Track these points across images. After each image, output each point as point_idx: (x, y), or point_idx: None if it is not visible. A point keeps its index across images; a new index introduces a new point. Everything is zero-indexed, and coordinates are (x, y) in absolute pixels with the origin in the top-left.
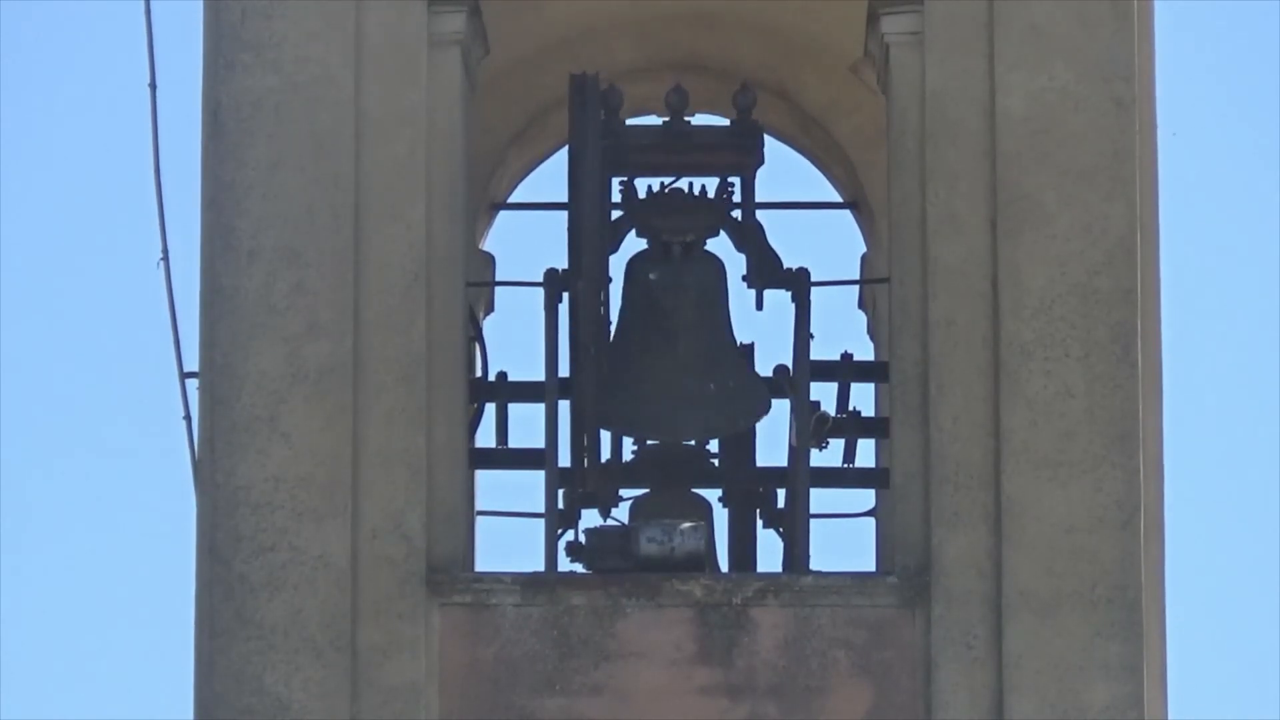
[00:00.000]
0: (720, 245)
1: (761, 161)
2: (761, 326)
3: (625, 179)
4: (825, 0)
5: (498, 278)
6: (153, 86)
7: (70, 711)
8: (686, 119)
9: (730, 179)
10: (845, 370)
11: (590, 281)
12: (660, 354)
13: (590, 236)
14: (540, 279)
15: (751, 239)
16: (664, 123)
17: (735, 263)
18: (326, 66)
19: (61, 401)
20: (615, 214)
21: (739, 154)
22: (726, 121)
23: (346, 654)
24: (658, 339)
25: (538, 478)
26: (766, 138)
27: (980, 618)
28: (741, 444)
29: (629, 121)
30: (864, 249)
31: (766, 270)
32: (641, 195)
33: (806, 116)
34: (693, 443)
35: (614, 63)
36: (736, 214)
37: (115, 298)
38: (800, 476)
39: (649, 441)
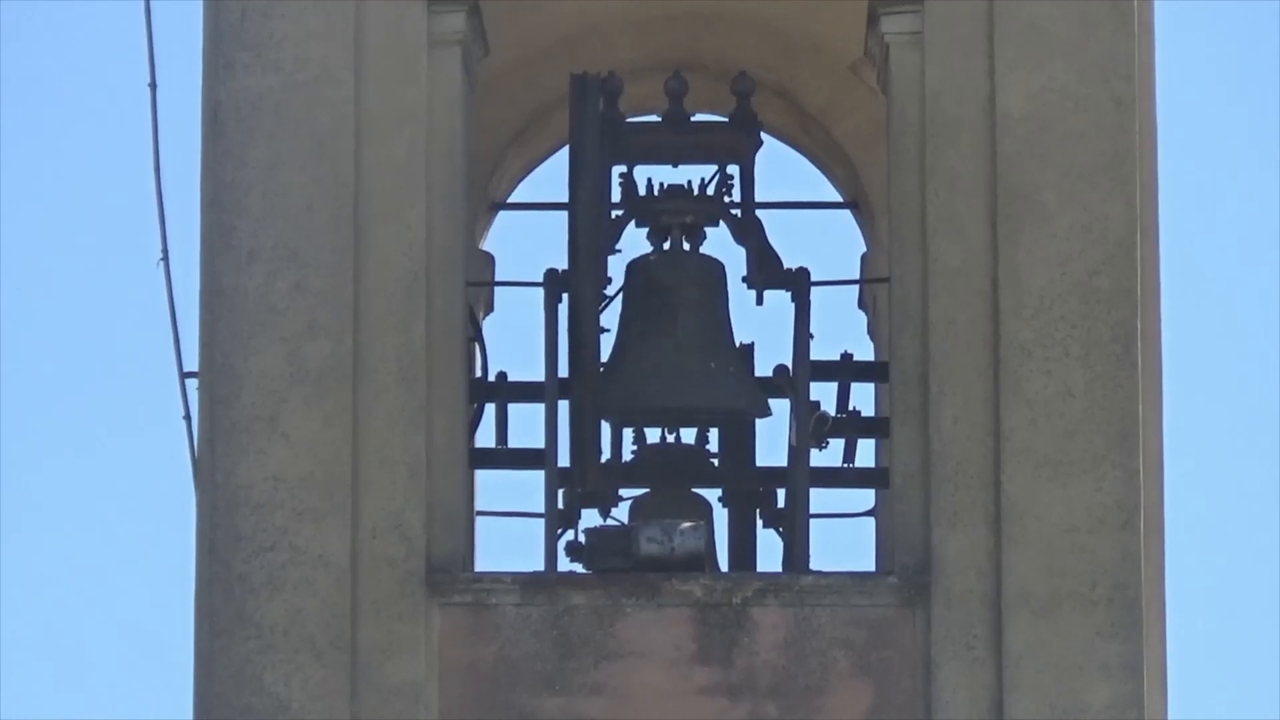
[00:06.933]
0: (720, 245)
1: (759, 146)
2: (761, 326)
3: (625, 170)
4: (825, 0)
5: (498, 278)
6: (153, 86)
7: (70, 711)
8: (685, 110)
9: (729, 168)
10: (845, 370)
11: (589, 279)
12: (661, 334)
13: (590, 236)
14: (540, 279)
15: (751, 233)
16: (662, 114)
17: (735, 266)
18: (326, 66)
19: (61, 401)
20: (615, 213)
21: (736, 140)
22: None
23: (346, 654)
24: (658, 320)
25: (537, 478)
26: (767, 138)
27: (980, 617)
28: (741, 444)
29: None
30: (864, 249)
31: (766, 266)
32: (641, 190)
33: (806, 116)
34: (692, 440)
35: (614, 62)
36: (735, 212)
37: (115, 298)
38: (800, 476)
39: (647, 437)
